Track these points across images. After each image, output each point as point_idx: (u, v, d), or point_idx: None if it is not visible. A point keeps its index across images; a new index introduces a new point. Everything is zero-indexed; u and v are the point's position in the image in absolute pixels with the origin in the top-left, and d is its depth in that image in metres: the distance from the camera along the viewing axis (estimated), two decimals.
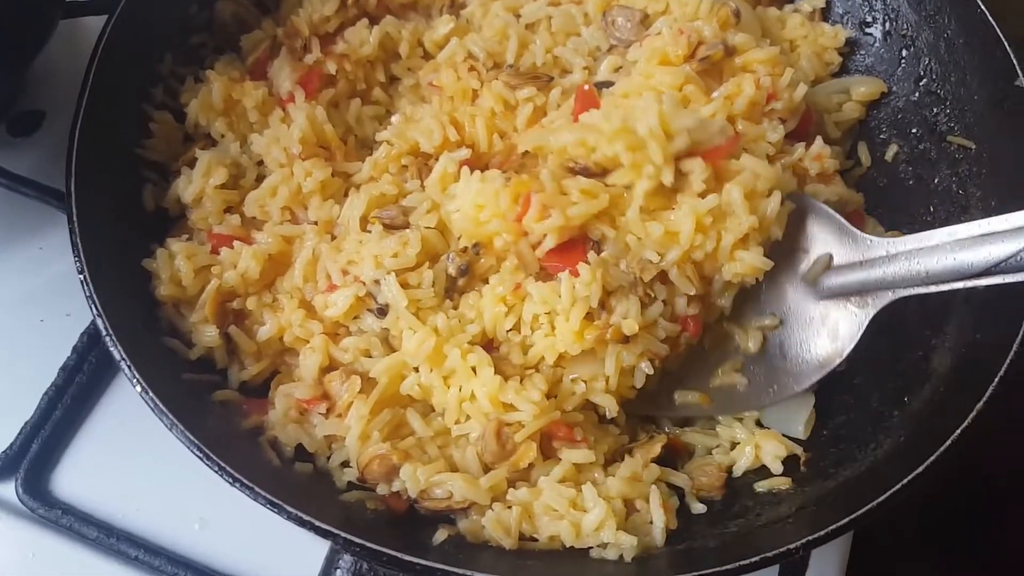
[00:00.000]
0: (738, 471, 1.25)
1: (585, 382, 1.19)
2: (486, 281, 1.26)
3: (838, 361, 1.23)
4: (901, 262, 1.17)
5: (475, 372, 1.19)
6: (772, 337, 1.29)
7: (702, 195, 1.19)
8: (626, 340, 1.16)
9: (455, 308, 1.27)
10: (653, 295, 1.19)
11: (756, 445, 1.24)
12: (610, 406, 1.20)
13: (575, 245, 1.20)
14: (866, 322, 1.20)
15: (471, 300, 1.24)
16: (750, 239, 1.20)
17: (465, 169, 1.31)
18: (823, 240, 1.26)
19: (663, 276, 1.21)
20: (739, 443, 1.26)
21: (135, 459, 1.41)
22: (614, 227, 1.21)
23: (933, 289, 1.14)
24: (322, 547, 1.33)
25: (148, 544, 1.34)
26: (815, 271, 1.25)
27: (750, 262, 1.20)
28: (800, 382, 1.25)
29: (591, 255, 1.18)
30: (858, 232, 1.23)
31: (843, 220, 1.25)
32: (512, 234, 1.21)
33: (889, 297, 1.19)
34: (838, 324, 1.23)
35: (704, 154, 1.20)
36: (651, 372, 1.20)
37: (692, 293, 1.21)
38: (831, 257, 1.24)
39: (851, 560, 1.38)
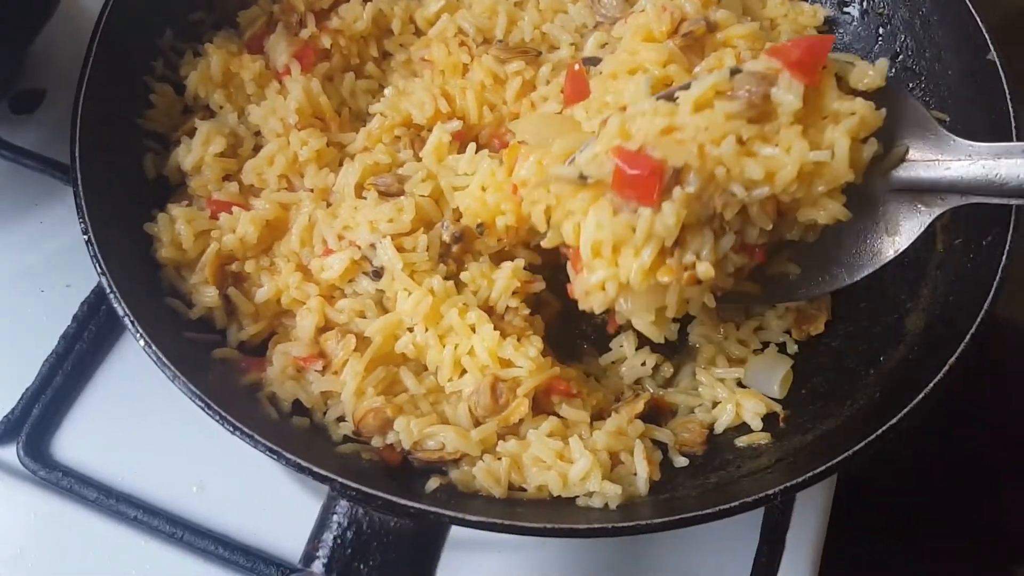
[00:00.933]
0: (719, 428, 1.29)
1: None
2: (481, 254, 1.31)
3: (892, 255, 1.19)
4: (980, 167, 1.11)
5: (474, 330, 1.23)
6: (831, 226, 1.17)
7: (800, 126, 1.08)
8: (698, 283, 1.08)
9: (453, 273, 1.31)
10: (727, 228, 1.10)
11: (737, 403, 1.28)
12: (655, 336, 1.16)
13: (651, 174, 1.04)
14: (929, 221, 1.17)
15: (482, 268, 1.29)
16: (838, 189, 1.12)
17: (477, 154, 1.33)
18: (901, 131, 1.17)
19: (741, 209, 1.10)
20: (720, 402, 1.30)
21: (134, 424, 1.45)
22: (701, 157, 1.06)
23: (1007, 202, 1.11)
24: (315, 506, 1.37)
25: (147, 505, 1.38)
26: (889, 163, 1.17)
27: (833, 211, 1.12)
28: (852, 274, 1.22)
29: (676, 190, 1.04)
30: (940, 128, 1.17)
31: (927, 113, 1.18)
32: (511, 204, 1.25)
33: (958, 201, 1.15)
34: (900, 219, 1.19)
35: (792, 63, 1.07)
36: (713, 305, 1.15)
37: (769, 228, 1.12)
38: (907, 149, 1.17)
39: (830, 542, 1.43)
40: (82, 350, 1.50)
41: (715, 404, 1.31)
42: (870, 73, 1.19)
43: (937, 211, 1.17)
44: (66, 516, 1.38)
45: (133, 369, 1.51)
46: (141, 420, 1.46)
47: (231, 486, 1.41)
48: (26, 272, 1.61)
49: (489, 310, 1.31)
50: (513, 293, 1.29)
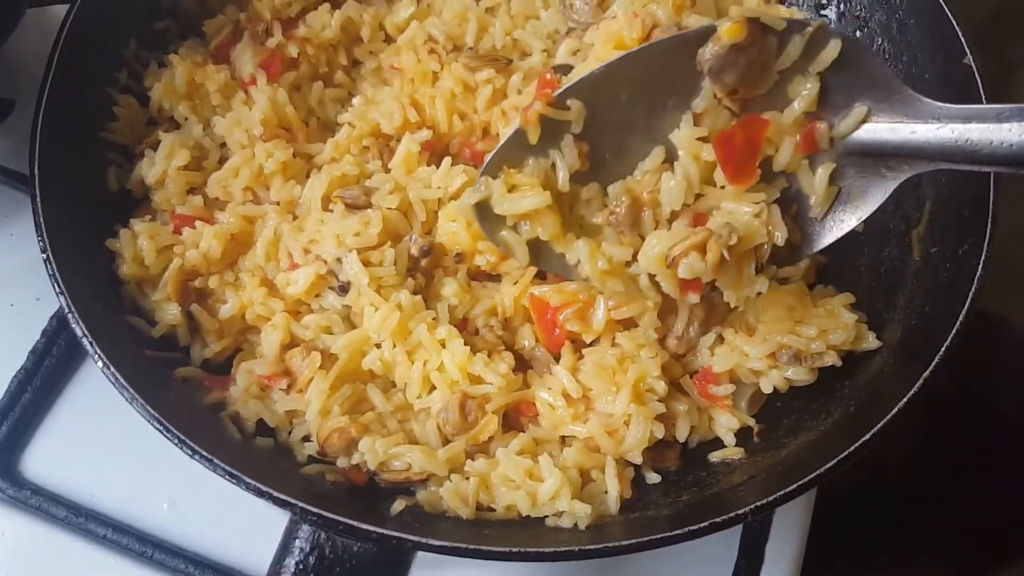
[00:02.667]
0: (692, 443, 1.27)
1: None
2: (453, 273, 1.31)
3: (856, 223, 1.15)
4: (949, 131, 1.03)
5: (443, 345, 1.22)
6: (786, 196, 1.16)
7: None
8: None
9: (421, 287, 1.29)
10: None
11: (709, 418, 1.26)
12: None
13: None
14: (894, 187, 1.11)
15: (461, 285, 1.29)
16: None
17: (452, 168, 1.32)
18: (861, 91, 1.10)
19: None
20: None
21: (104, 441, 1.43)
22: None
23: (978, 168, 1.02)
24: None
25: (117, 523, 1.36)
26: (848, 126, 1.11)
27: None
28: (812, 244, 1.18)
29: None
30: (906, 88, 1.08)
31: (890, 72, 1.11)
32: (496, 255, 1.26)
33: (925, 166, 1.07)
34: (863, 185, 1.13)
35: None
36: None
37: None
38: (868, 111, 1.10)
39: (816, 541, 1.42)
40: (51, 365, 1.48)
41: None
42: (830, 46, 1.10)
43: (902, 177, 1.10)
44: (35, 535, 1.37)
45: (103, 385, 1.43)
46: (112, 436, 1.43)
47: (202, 503, 1.39)
48: None
49: (461, 324, 1.29)
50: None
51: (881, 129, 1.10)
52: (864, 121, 1.11)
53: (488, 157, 1.17)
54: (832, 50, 1.09)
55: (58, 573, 1.34)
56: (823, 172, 1.14)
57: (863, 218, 1.15)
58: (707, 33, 1.12)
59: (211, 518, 1.38)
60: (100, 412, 1.46)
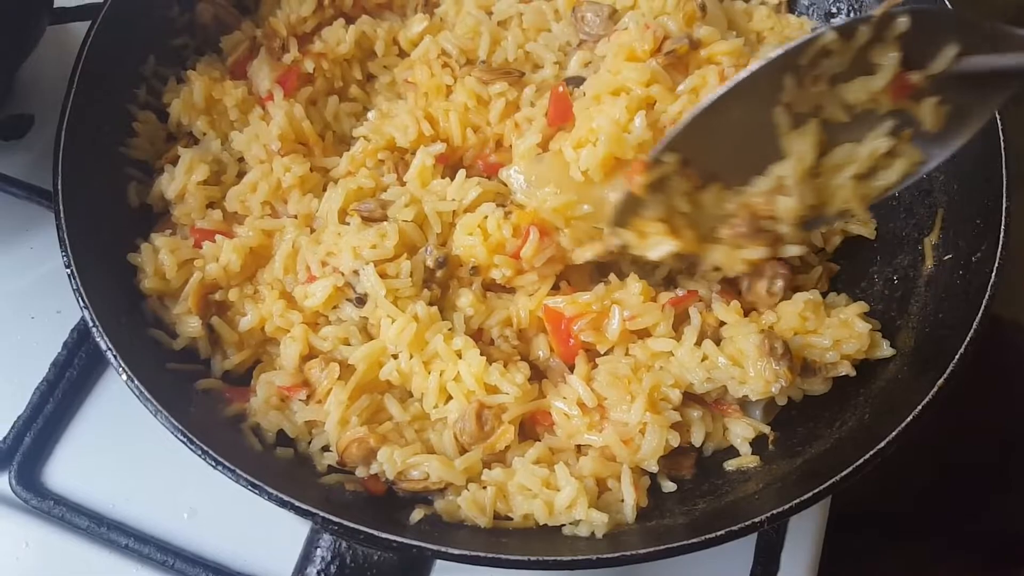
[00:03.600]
0: (707, 451, 1.28)
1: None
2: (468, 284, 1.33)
3: (974, 131, 1.15)
4: None
5: (460, 355, 1.23)
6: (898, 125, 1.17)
7: None
8: None
9: (437, 298, 1.31)
10: None
11: (723, 427, 1.27)
12: None
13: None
14: (1000, 100, 1.13)
15: (477, 295, 1.30)
16: None
17: (466, 180, 1.35)
18: (948, 37, 1.11)
19: None
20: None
21: (125, 451, 1.45)
22: None
23: None
24: (306, 533, 1.37)
25: (138, 533, 1.38)
26: (938, 66, 1.11)
27: None
28: (934, 158, 1.19)
29: None
30: (989, 24, 1.10)
31: (971, 18, 1.12)
32: (512, 266, 1.28)
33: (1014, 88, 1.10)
34: (969, 102, 1.14)
35: None
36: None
37: None
38: (957, 52, 1.10)
39: (832, 547, 1.42)
40: (72, 377, 1.50)
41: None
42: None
43: (1007, 92, 1.12)
44: (58, 545, 1.38)
45: (123, 395, 1.47)
46: (132, 447, 1.45)
47: (222, 512, 1.41)
48: (16, 298, 1.61)
49: (476, 335, 1.30)
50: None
51: (973, 61, 1.11)
52: (955, 60, 1.12)
53: (613, 208, 1.25)
54: (903, 24, 1.11)
55: None
56: (927, 104, 1.15)
57: (978, 127, 1.16)
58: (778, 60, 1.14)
59: (230, 527, 1.40)
60: (120, 423, 1.48)
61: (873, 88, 1.14)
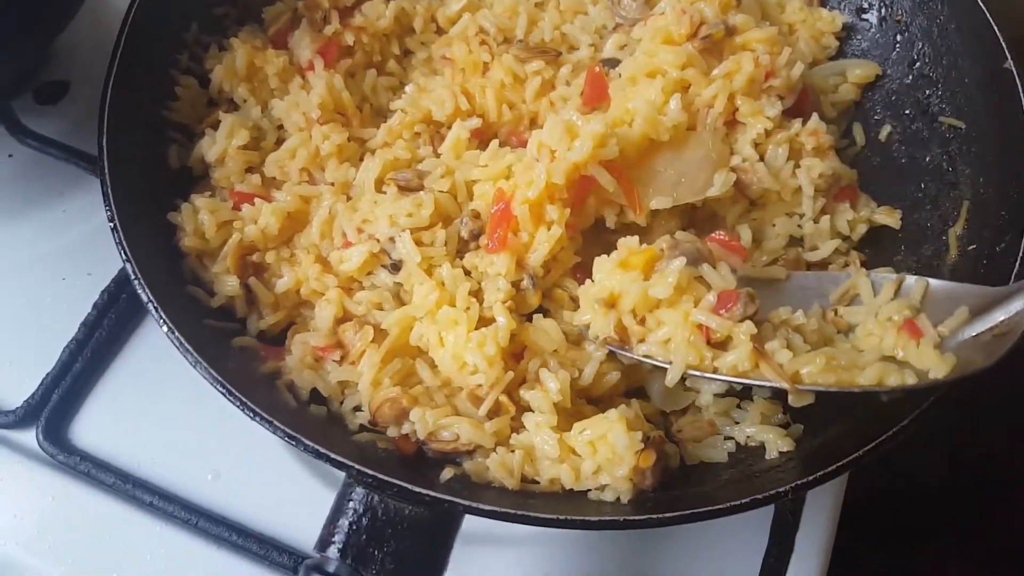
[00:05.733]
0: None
1: None
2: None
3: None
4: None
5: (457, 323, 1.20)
6: None
7: None
8: None
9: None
10: None
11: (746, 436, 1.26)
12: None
13: None
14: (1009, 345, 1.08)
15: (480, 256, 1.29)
16: None
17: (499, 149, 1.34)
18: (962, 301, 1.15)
19: None
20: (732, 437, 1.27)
21: (151, 411, 1.47)
22: None
23: None
24: (329, 496, 1.38)
25: (163, 491, 1.40)
26: (950, 327, 1.13)
27: None
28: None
29: None
30: (996, 290, 1.13)
31: (971, 287, 1.17)
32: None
33: None
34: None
35: None
36: None
37: None
38: (968, 313, 1.13)
39: (839, 547, 1.43)
40: (101, 337, 1.52)
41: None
42: None
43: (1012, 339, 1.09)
44: (83, 500, 1.40)
45: (151, 357, 1.53)
46: (158, 407, 1.47)
47: (246, 474, 1.42)
48: (48, 259, 1.63)
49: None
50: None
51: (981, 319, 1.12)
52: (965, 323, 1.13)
53: None
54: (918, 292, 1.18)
55: (105, 537, 1.38)
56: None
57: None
58: None
59: (254, 489, 1.41)
60: (147, 383, 1.50)
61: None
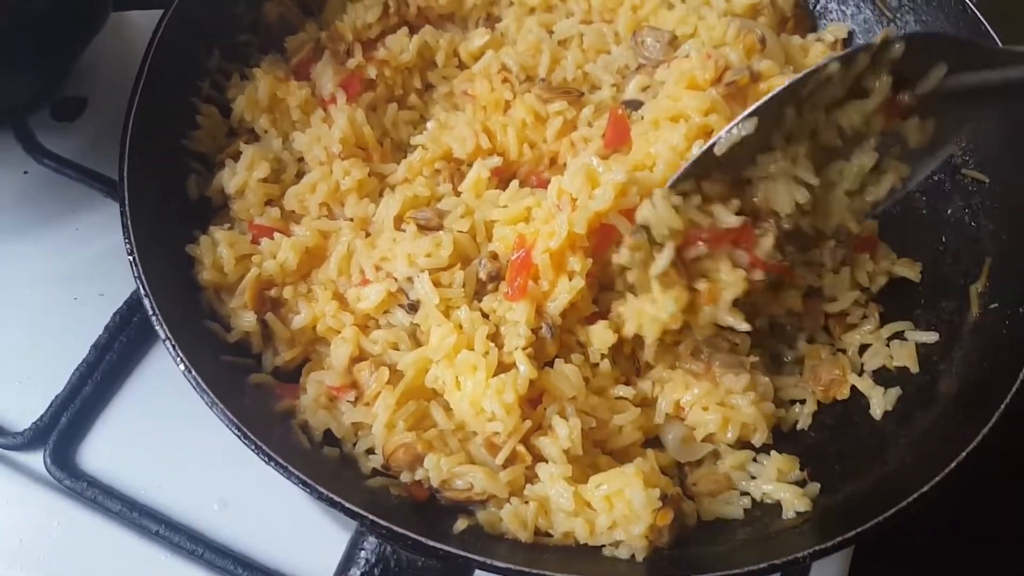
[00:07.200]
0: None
1: None
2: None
3: (954, 149, 1.24)
4: (1016, 70, 1.12)
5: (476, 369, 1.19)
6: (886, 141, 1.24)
7: None
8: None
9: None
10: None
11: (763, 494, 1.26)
12: None
13: None
14: (983, 115, 1.19)
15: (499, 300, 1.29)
16: None
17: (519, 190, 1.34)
18: (938, 57, 1.17)
19: None
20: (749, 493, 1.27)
21: (160, 438, 1.46)
22: None
23: None
24: (337, 533, 1.37)
25: (169, 520, 1.39)
26: (927, 85, 1.18)
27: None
28: (918, 172, 1.26)
29: None
30: (978, 43, 1.19)
31: (961, 39, 1.22)
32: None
33: (1007, 102, 1.17)
34: (954, 118, 1.21)
35: None
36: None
37: None
38: (944, 71, 1.17)
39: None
40: (112, 360, 1.51)
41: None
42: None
43: (990, 107, 1.19)
44: (88, 526, 1.39)
45: (161, 382, 1.52)
46: (167, 433, 1.46)
47: (254, 505, 1.41)
48: (60, 278, 1.62)
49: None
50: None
51: (961, 78, 1.17)
52: (944, 79, 1.18)
53: None
54: (898, 50, 1.17)
55: (110, 565, 1.36)
56: (913, 124, 1.21)
57: (961, 144, 1.28)
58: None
59: (261, 521, 1.40)
60: (157, 408, 1.49)
61: (866, 111, 1.20)
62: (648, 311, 1.20)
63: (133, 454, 1.45)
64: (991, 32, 1.41)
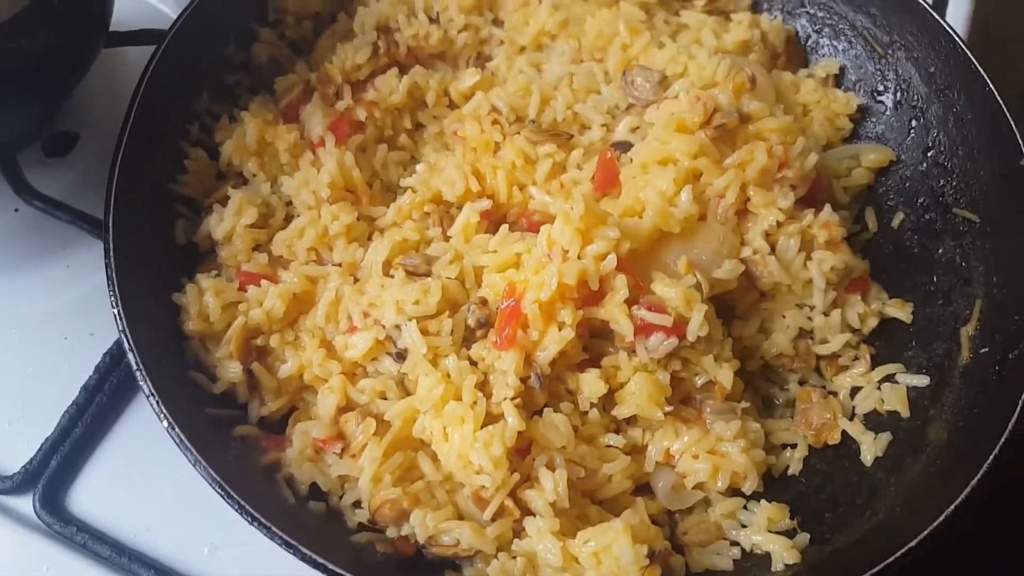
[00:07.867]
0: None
1: None
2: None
3: None
4: None
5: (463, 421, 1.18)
6: None
7: None
8: None
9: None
10: None
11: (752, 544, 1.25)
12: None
13: None
14: None
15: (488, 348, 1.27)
16: None
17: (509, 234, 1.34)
18: None
19: None
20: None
21: (150, 481, 1.45)
22: None
23: None
24: None
25: (158, 565, 1.37)
26: None
27: None
28: None
29: None
30: None
31: None
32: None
33: None
34: None
35: None
36: None
37: None
38: None
39: None
40: (102, 402, 1.50)
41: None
42: None
43: None
44: (78, 571, 1.38)
45: (151, 424, 1.45)
46: (156, 476, 1.45)
47: (243, 550, 1.40)
48: (50, 318, 1.61)
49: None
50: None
51: None
52: None
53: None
54: None
55: None
56: None
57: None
58: None
59: (250, 566, 1.39)
60: (148, 452, 1.47)
61: None
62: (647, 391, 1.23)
63: (123, 497, 1.44)
64: (981, 71, 1.41)
